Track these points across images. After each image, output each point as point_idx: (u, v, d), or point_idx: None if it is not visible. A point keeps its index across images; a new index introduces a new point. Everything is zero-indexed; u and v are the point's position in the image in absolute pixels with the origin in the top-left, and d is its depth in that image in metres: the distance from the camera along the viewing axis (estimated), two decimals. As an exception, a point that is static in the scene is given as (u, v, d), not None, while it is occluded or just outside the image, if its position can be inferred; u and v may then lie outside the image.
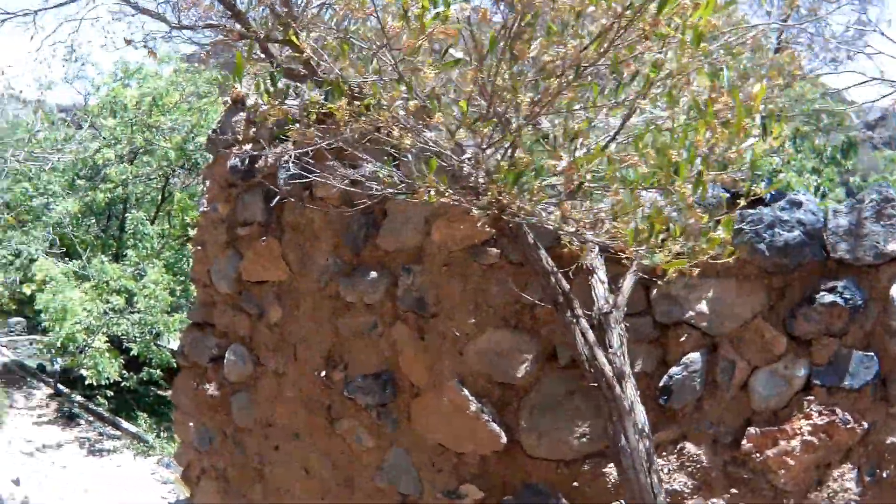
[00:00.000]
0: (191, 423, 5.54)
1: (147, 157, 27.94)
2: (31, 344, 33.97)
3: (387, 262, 4.33)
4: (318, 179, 4.41)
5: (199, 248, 5.38)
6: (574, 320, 3.28)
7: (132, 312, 23.08)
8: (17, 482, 14.44)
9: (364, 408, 4.34)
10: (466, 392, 4.01)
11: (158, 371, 22.21)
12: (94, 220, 28.74)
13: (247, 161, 4.97)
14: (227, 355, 5.05)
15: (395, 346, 4.27)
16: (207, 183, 5.42)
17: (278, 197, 4.67)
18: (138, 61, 28.46)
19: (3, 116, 30.25)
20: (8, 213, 28.62)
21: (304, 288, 4.60)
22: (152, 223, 26.36)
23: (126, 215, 27.33)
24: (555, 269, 3.30)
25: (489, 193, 2.82)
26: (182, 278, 24.37)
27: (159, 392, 25.62)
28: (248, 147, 5.02)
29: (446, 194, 2.91)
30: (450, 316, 4.11)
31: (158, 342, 22.81)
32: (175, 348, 22.56)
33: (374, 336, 4.33)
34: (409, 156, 3.11)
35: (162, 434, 21.11)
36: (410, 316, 4.22)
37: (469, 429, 4.02)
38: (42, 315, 22.40)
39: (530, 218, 2.85)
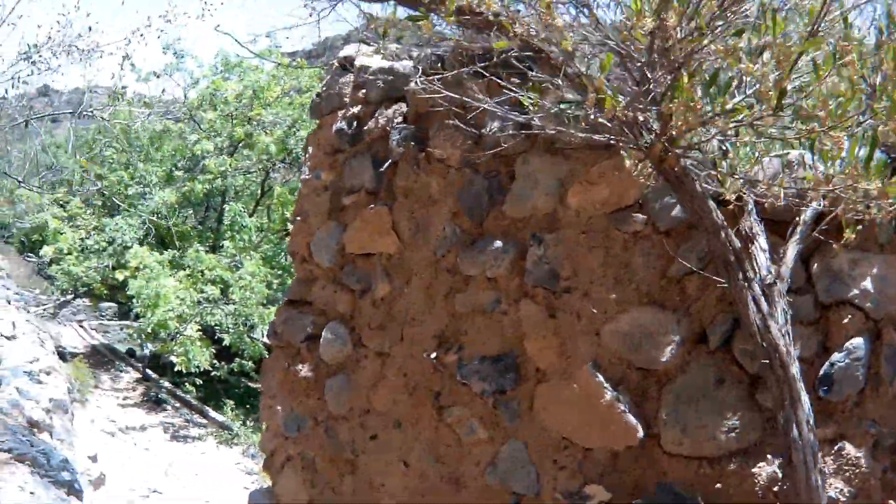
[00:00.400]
0: (279, 408, 5.12)
1: (247, 150, 28.07)
2: (121, 329, 34.47)
3: (513, 232, 3.85)
4: (437, 140, 4.03)
5: (300, 218, 4.98)
6: (746, 284, 2.78)
7: (227, 303, 23.07)
8: (94, 459, 14.34)
9: (479, 395, 3.86)
10: (601, 378, 3.52)
11: (250, 363, 22.13)
12: (191, 212, 28.99)
13: (355, 124, 4.56)
14: (324, 334, 4.63)
15: (519, 325, 3.78)
16: (310, 149, 5.02)
17: (389, 161, 4.26)
18: (238, 55, 28.66)
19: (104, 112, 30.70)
20: (100, 198, 29.01)
21: (417, 260, 4.15)
22: (251, 216, 26.39)
23: (224, 206, 27.43)
24: (725, 223, 2.81)
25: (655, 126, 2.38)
26: (280, 272, 24.30)
27: (249, 384, 25.65)
28: (356, 110, 4.60)
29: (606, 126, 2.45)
30: (586, 291, 3.62)
31: (252, 334, 22.74)
32: (266, 342, 22.52)
33: (495, 314, 3.85)
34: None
35: (249, 425, 21.01)
36: (540, 291, 3.74)
37: (601, 420, 3.52)
38: (134, 301, 22.54)
39: (696, 155, 2.41)
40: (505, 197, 3.88)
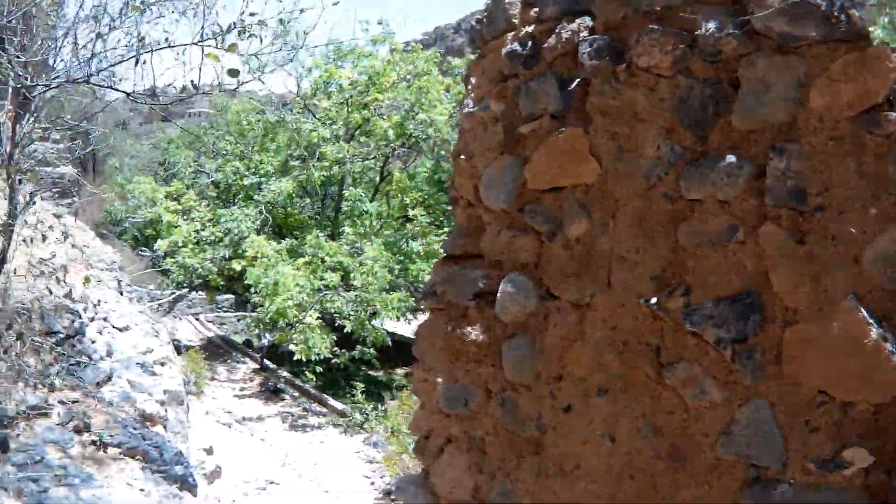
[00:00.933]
0: (438, 380, 4.41)
1: (364, 137, 27.84)
2: (238, 320, 34.68)
3: (744, 146, 3.13)
4: (641, 48, 3.36)
5: (462, 158, 4.32)
6: None
7: (347, 290, 22.75)
8: (210, 451, 14.09)
9: (714, 345, 3.15)
10: (864, 314, 2.81)
11: (371, 350, 21.76)
12: (308, 201, 28.90)
13: (529, 44, 3.90)
14: (501, 288, 3.95)
15: (761, 256, 3.07)
16: (472, 80, 4.37)
17: (579, 79, 3.59)
18: (350, 41, 28.38)
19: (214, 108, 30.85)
20: (214, 190, 29.01)
21: (623, 189, 3.44)
22: (370, 202, 26.08)
23: (343, 193, 27.18)
24: None
25: None
26: (401, 258, 23.93)
27: (370, 372, 25.34)
28: (529, 29, 3.95)
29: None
30: (840, 209, 2.92)
31: (373, 321, 22.38)
32: (388, 330, 22.00)
33: (731, 245, 3.14)
34: None
35: (371, 412, 20.65)
36: (784, 213, 3.01)
37: (864, 367, 2.83)
38: (252, 290, 22.38)
39: None
40: (730, 107, 3.19)
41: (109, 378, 8.31)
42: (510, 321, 3.95)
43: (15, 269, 8.16)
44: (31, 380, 6.85)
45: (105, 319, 9.53)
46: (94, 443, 6.41)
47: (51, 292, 8.38)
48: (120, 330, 9.58)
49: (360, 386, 20.60)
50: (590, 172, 3.54)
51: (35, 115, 7.87)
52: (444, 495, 4.30)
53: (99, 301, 9.95)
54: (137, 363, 8.97)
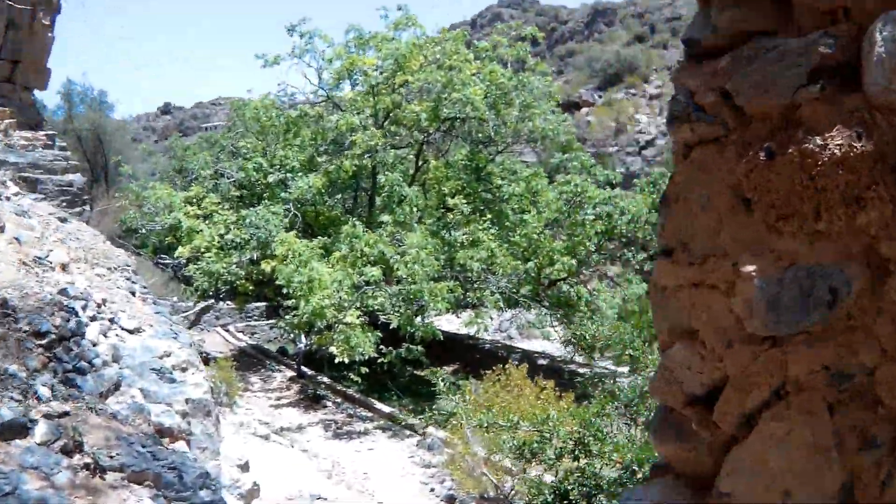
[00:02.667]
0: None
1: (394, 126, 26.45)
2: (271, 328, 33.24)
3: None
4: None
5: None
6: None
7: (389, 284, 21.19)
8: (245, 467, 12.57)
9: None
10: None
11: (419, 347, 20.14)
12: (339, 197, 27.43)
13: None
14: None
15: None
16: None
17: None
18: (370, 31, 26.95)
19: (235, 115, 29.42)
20: (237, 190, 27.65)
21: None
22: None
23: (376, 182, 25.58)
24: None
25: None
26: (445, 248, 22.37)
27: (416, 371, 23.77)
28: None
29: None
30: None
31: (419, 316, 20.70)
32: (437, 324, 20.36)
33: None
34: None
35: (420, 413, 19.11)
36: None
37: None
38: (284, 291, 20.84)
39: None
40: None
41: (117, 387, 6.83)
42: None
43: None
44: (10, 390, 5.37)
45: (112, 321, 8.02)
46: (87, 466, 4.90)
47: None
48: (130, 332, 8.09)
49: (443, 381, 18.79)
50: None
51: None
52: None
53: (105, 300, 8.48)
54: (152, 369, 7.49)
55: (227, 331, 34.93)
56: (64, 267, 8.94)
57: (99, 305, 8.08)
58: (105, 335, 7.47)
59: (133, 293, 10.23)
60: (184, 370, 7.95)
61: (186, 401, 7.35)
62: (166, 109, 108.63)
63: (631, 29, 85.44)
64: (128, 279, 11.15)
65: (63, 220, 14.27)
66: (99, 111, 46.20)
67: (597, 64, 72.22)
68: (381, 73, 25.73)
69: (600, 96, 69.63)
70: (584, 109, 66.46)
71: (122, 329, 8.09)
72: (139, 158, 40.54)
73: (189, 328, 29.47)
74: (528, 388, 12.92)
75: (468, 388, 13.65)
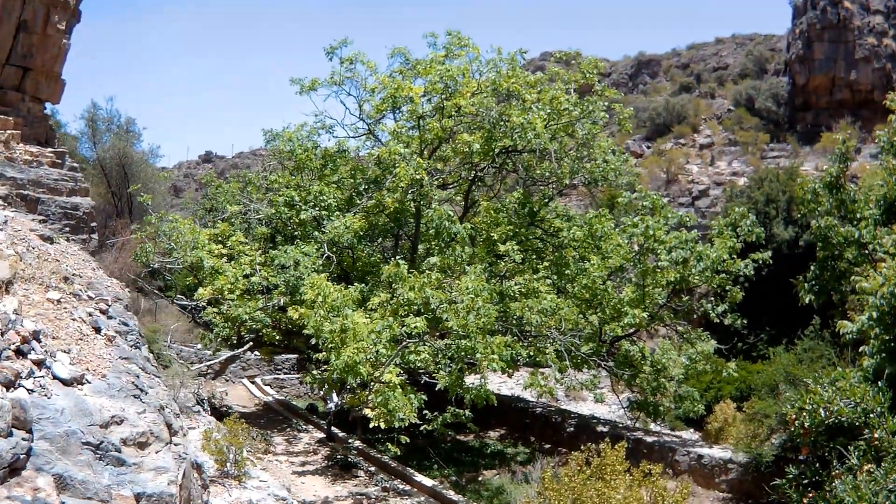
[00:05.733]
0: None
1: (441, 163, 23.96)
2: (301, 383, 30.38)
3: None
4: None
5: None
6: None
7: (434, 336, 18.33)
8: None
9: None
10: None
11: (467, 412, 17.09)
12: (379, 241, 24.89)
13: None
14: None
15: None
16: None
17: None
18: (416, 58, 24.56)
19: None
20: (266, 228, 25.09)
21: None
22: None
23: (420, 220, 22.90)
24: None
25: None
26: (497, 298, 19.57)
27: (458, 437, 20.72)
28: None
29: None
30: None
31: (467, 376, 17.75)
32: (492, 387, 17.14)
33: None
34: None
35: (466, 487, 16.02)
36: None
37: None
38: (313, 340, 17.96)
39: None
40: None
41: (14, 470, 4.02)
42: None
43: None
44: None
45: (40, 363, 5.21)
46: None
47: None
48: (64, 382, 5.28)
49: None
50: None
51: None
52: None
53: (37, 333, 5.70)
54: (86, 443, 4.66)
55: (254, 383, 32.40)
56: (6, 286, 6.24)
57: (25, 339, 5.28)
58: (13, 385, 4.62)
59: (98, 329, 7.49)
60: (142, 446, 5.13)
61: (138, 498, 4.51)
62: (208, 158, 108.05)
63: (676, 79, 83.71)
64: (103, 312, 8.44)
65: (48, 240, 11.66)
66: (125, 139, 43.75)
67: (644, 114, 69.88)
68: (429, 100, 23.11)
69: (649, 146, 67.40)
70: (633, 161, 63.74)
71: (54, 377, 5.27)
72: (165, 192, 38.14)
73: (213, 378, 26.95)
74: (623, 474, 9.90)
75: (547, 474, 10.64)
